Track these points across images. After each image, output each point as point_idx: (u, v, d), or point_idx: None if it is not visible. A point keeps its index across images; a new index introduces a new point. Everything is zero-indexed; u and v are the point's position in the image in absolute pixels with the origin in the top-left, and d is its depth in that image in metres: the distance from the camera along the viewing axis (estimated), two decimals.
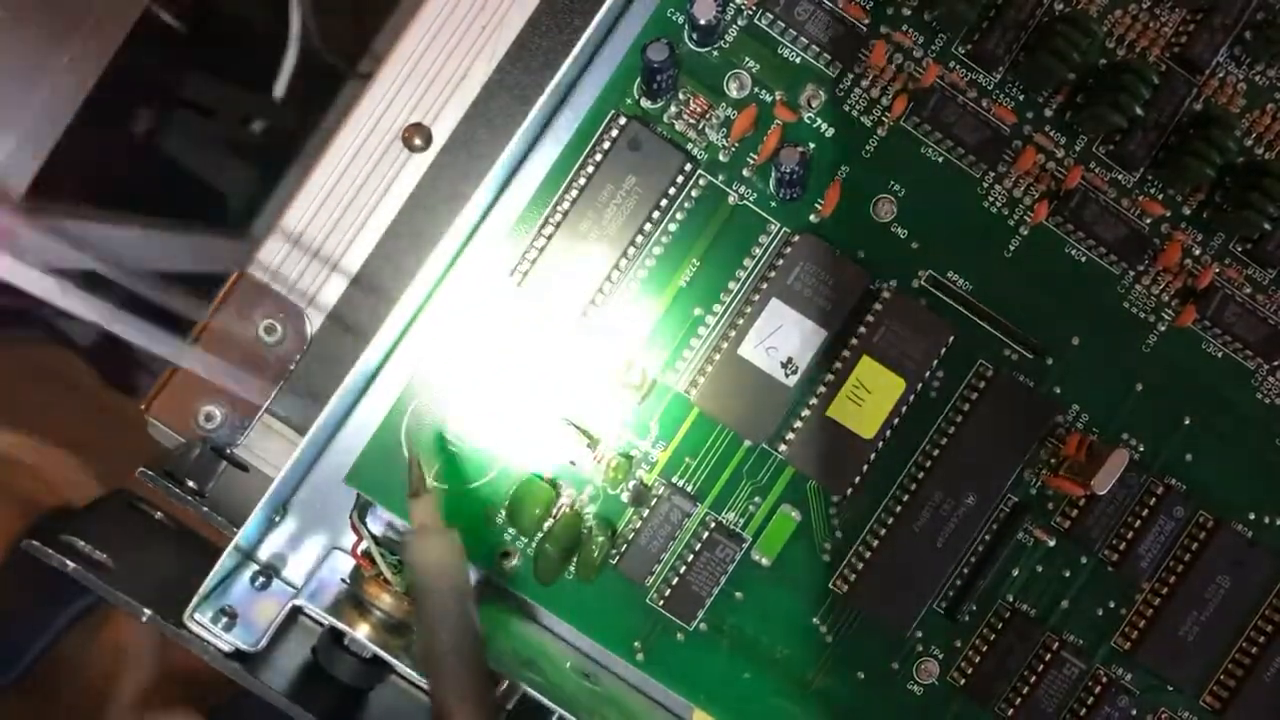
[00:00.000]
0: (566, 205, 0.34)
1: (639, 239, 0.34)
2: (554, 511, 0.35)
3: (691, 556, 0.35)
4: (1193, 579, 0.35)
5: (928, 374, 0.35)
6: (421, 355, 0.35)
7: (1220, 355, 0.36)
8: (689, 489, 0.35)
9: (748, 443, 0.35)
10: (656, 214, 0.34)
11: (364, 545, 0.35)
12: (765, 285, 0.34)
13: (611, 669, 0.38)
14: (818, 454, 0.34)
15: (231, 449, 0.39)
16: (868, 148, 0.35)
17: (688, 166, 0.35)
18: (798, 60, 0.35)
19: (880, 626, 0.35)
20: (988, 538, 0.36)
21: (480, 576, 0.36)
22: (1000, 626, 0.35)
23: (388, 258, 0.40)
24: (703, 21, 0.34)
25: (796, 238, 0.34)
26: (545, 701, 0.35)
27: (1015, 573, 0.36)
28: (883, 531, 0.35)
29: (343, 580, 0.36)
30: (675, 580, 0.35)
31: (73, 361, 0.83)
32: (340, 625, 0.35)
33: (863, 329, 0.34)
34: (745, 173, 0.35)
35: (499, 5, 0.39)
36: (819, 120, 0.35)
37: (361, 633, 0.35)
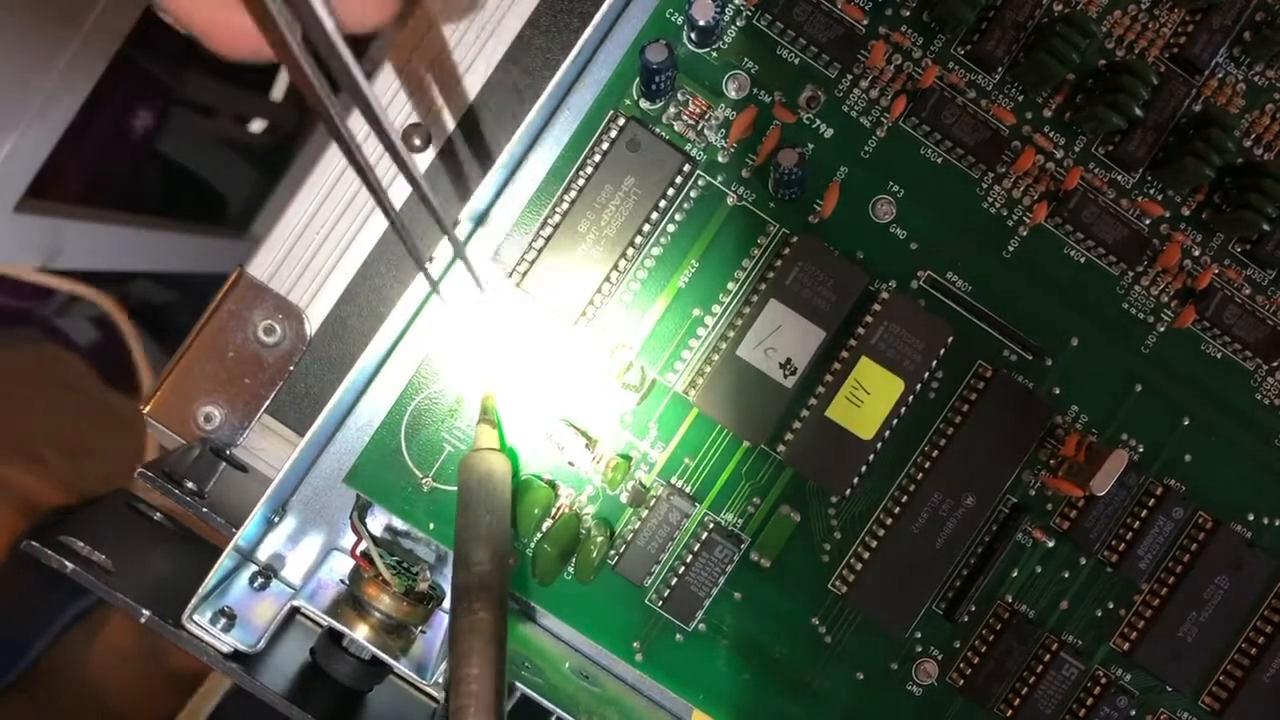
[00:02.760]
0: (565, 206, 0.34)
1: (638, 239, 0.34)
2: (553, 512, 0.35)
3: (690, 557, 0.35)
4: (1191, 580, 0.35)
5: (926, 375, 0.35)
6: (420, 356, 0.35)
7: (1219, 356, 0.36)
8: (688, 489, 0.35)
9: (746, 443, 0.35)
10: (655, 214, 0.34)
11: (363, 546, 0.35)
12: (764, 286, 0.34)
13: (611, 669, 0.38)
14: (817, 455, 0.34)
15: (231, 449, 0.39)
16: (867, 148, 0.35)
17: (686, 167, 0.35)
18: (796, 61, 0.35)
19: (879, 627, 0.35)
20: (987, 538, 0.36)
21: None
22: (999, 627, 0.35)
23: (386, 258, 0.40)
24: (701, 22, 0.34)
25: (795, 238, 0.34)
26: (544, 702, 0.35)
27: (1014, 573, 0.36)
28: (882, 532, 0.35)
29: (342, 581, 0.36)
30: (674, 581, 0.35)
31: (73, 361, 0.83)
32: (339, 626, 0.35)
33: (861, 330, 0.34)
34: (744, 173, 0.35)
35: (499, 5, 0.39)
36: (818, 121, 0.35)
37: (360, 634, 0.35)
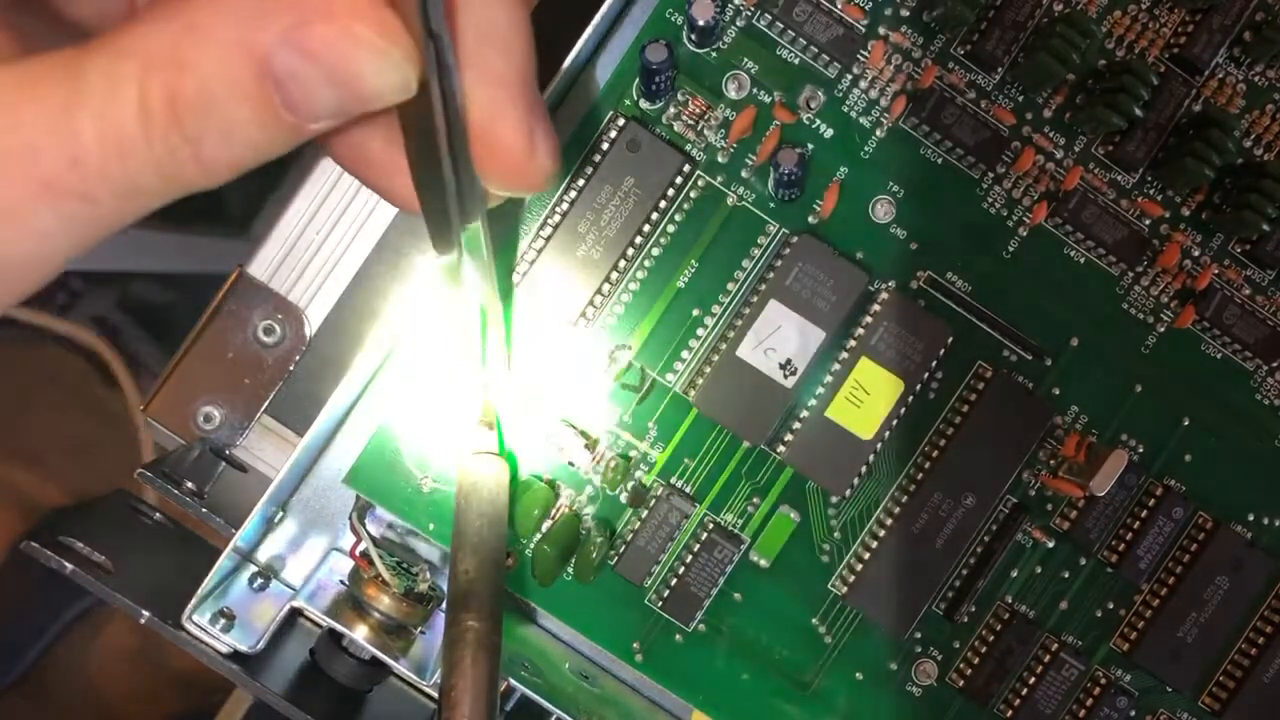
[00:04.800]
0: (565, 206, 0.34)
1: (637, 240, 0.34)
2: (552, 512, 0.35)
3: (690, 557, 0.35)
4: (1192, 580, 0.35)
5: (926, 375, 0.35)
6: (420, 356, 0.35)
7: (1219, 356, 0.36)
8: (688, 490, 0.35)
9: (746, 444, 0.35)
10: (655, 215, 0.34)
11: (363, 546, 0.35)
12: (764, 286, 0.34)
13: (610, 670, 0.38)
14: (817, 455, 0.34)
15: (230, 450, 0.39)
16: (866, 149, 0.35)
17: (686, 168, 0.35)
18: (796, 61, 0.35)
19: (879, 627, 0.35)
20: (986, 539, 0.36)
21: None
22: (999, 627, 0.35)
23: (386, 258, 0.40)
24: (701, 22, 0.34)
25: (795, 239, 0.34)
26: (544, 703, 0.35)
27: (1014, 574, 0.36)
28: (881, 532, 0.35)
29: (341, 582, 0.36)
30: (674, 581, 0.35)
31: (73, 361, 0.83)
32: (339, 627, 0.35)
33: (861, 330, 0.34)
34: (744, 174, 0.35)
35: None
36: (818, 121, 0.35)
37: (360, 634, 0.35)
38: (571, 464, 0.35)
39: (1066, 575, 0.36)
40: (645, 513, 0.35)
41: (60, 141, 0.20)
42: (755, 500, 0.35)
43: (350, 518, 0.36)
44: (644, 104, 0.35)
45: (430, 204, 0.26)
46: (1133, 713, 0.36)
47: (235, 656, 0.34)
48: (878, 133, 0.35)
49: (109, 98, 0.20)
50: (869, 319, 0.34)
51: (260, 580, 0.36)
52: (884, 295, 0.35)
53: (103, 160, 0.20)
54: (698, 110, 0.35)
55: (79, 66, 0.20)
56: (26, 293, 0.22)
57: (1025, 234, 0.36)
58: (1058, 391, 0.36)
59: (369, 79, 0.21)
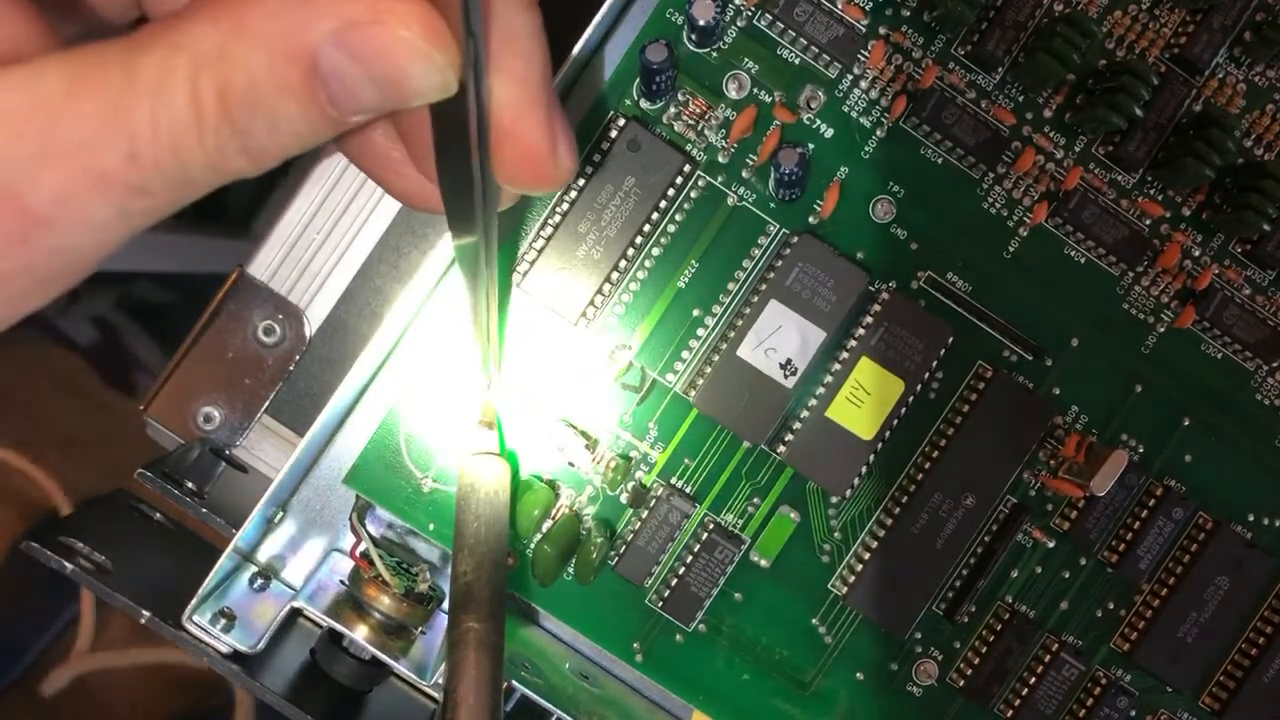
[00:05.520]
0: (565, 206, 0.34)
1: (638, 240, 0.34)
2: (553, 513, 0.35)
3: (690, 557, 0.35)
4: (1192, 580, 0.35)
5: (927, 375, 0.35)
6: (420, 356, 0.35)
7: (1220, 356, 0.36)
8: (688, 490, 0.35)
9: (747, 444, 0.35)
10: (655, 215, 0.34)
11: (363, 547, 0.35)
12: (764, 286, 0.34)
13: (610, 670, 0.38)
14: (817, 455, 0.34)
15: (230, 450, 0.39)
16: (867, 149, 0.35)
17: (687, 167, 0.35)
18: (797, 61, 0.35)
19: (879, 627, 0.35)
20: (987, 539, 0.36)
21: None
22: (999, 628, 0.35)
23: (386, 258, 0.40)
24: (701, 22, 0.34)
25: (795, 239, 0.34)
26: (544, 703, 0.35)
27: (1014, 574, 0.36)
28: (882, 532, 0.35)
29: (341, 582, 0.36)
30: (674, 581, 0.35)
31: (73, 361, 0.83)
32: (339, 627, 0.35)
33: (862, 330, 0.34)
34: (744, 174, 0.35)
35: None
36: (818, 121, 0.35)
37: (360, 634, 0.35)
38: (572, 464, 0.35)
39: (1067, 575, 0.36)
40: (645, 513, 0.35)
41: (116, 136, 0.20)
42: (755, 500, 0.35)
43: (350, 518, 0.36)
44: (644, 104, 0.35)
45: (451, 192, 0.26)
46: (1133, 713, 0.36)
47: (235, 656, 0.34)
48: (878, 133, 0.35)
49: (162, 93, 0.20)
50: (869, 319, 0.34)
51: (260, 580, 0.36)
52: (884, 295, 0.35)
53: (157, 153, 0.21)
54: (698, 110, 0.35)
55: (131, 62, 0.21)
56: (79, 280, 0.23)
57: (1025, 234, 0.36)
58: (1058, 391, 0.36)
59: (414, 81, 0.21)
